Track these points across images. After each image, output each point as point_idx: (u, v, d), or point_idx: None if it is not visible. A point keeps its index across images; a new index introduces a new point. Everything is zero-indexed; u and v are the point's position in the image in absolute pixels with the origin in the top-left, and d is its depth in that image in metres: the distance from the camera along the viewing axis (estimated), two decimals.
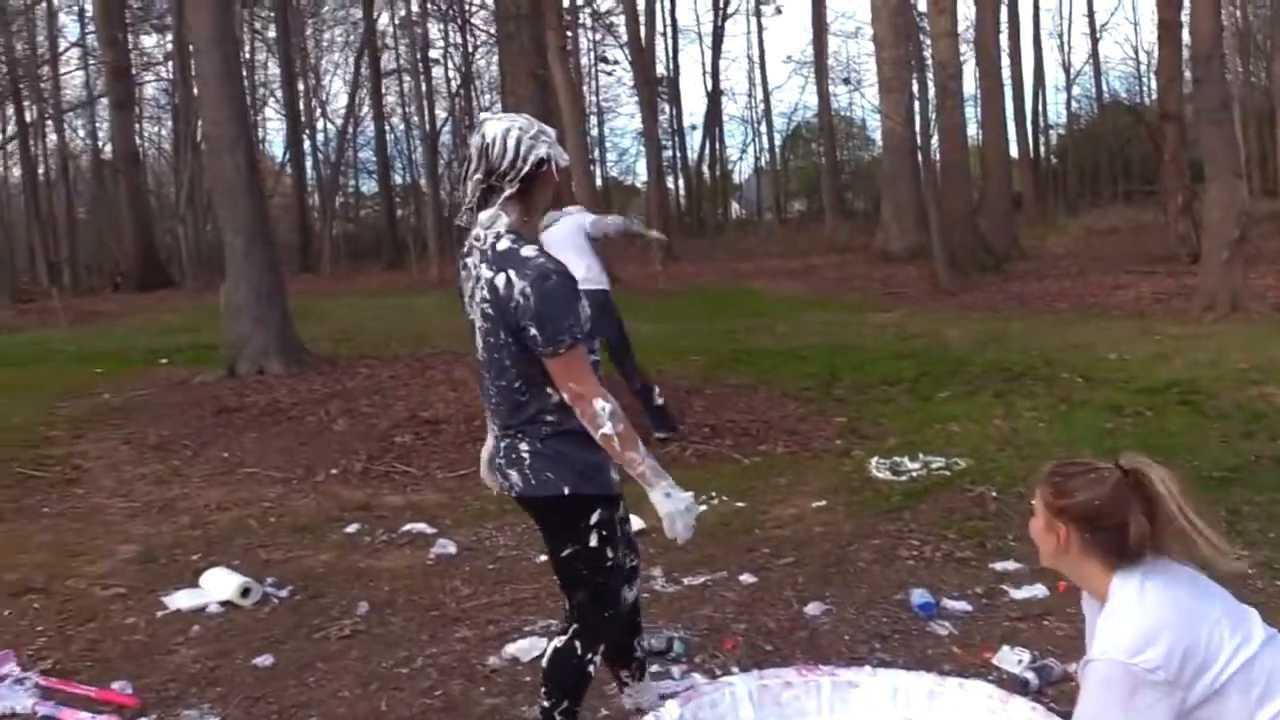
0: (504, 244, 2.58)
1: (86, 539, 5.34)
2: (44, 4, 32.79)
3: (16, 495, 6.25)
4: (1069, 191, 34.60)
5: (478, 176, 2.61)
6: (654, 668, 3.50)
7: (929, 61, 19.08)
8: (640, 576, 2.99)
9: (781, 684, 2.91)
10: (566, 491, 2.63)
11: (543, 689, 2.81)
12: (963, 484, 5.40)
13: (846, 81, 38.68)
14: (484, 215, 2.61)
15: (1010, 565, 4.27)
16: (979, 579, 4.17)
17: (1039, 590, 3.98)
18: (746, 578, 4.33)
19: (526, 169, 2.59)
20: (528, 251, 2.57)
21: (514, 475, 2.68)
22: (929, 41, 20.14)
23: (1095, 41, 36.08)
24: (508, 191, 2.60)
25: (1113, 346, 9.16)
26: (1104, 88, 38.00)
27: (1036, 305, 13.57)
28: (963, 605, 3.91)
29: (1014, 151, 26.77)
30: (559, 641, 2.79)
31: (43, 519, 5.78)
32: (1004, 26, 25.63)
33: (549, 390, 2.59)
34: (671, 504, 2.60)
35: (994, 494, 5.18)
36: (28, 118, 33.14)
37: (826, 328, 11.83)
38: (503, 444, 2.72)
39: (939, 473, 5.65)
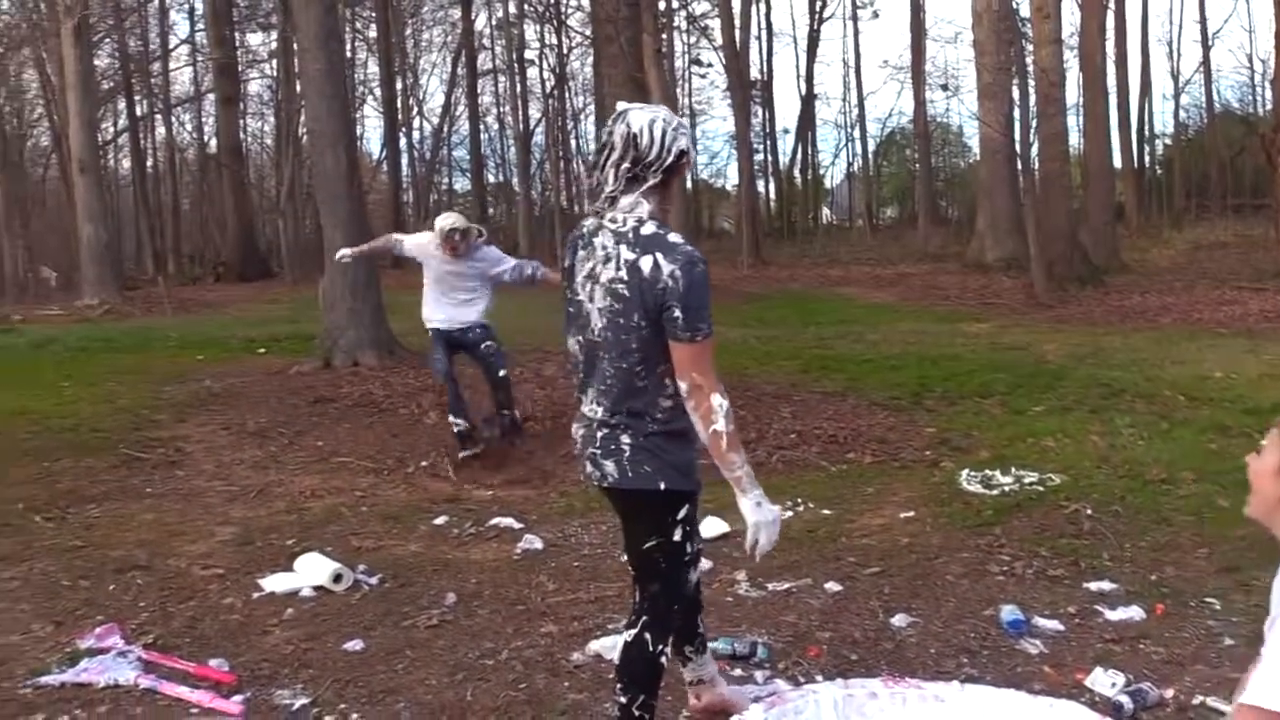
0: (649, 228, 2.62)
1: (187, 520, 5.52)
2: (156, 2, 33.91)
3: (122, 475, 6.48)
4: (1174, 203, 33.62)
5: (625, 165, 2.63)
6: (736, 671, 3.51)
7: (1030, 68, 18.69)
8: (700, 562, 3.01)
9: (867, 694, 2.89)
10: (663, 486, 2.66)
11: (618, 685, 2.83)
12: (1057, 500, 5.29)
13: (944, 88, 38.18)
14: (625, 201, 2.64)
15: (1105, 585, 4.17)
16: (1072, 598, 4.08)
17: (1135, 612, 3.88)
18: (832, 586, 4.30)
19: (670, 160, 2.65)
20: (674, 238, 2.62)
21: (609, 466, 2.70)
22: (1031, 48, 19.76)
23: (1206, 49, 34.98)
24: (651, 181, 2.65)
25: (1218, 365, 8.89)
26: (1214, 97, 36.80)
27: (1138, 320, 13.24)
28: (1054, 624, 3.83)
29: (1117, 161, 26.08)
30: (629, 635, 2.82)
31: (146, 499, 5.98)
32: (1110, 33, 25.05)
33: (667, 381, 2.62)
34: (761, 514, 2.66)
35: (1089, 512, 5.06)
36: (138, 112, 34.36)
37: (917, 337, 11.69)
38: (599, 434, 2.72)
39: (1032, 488, 5.54)
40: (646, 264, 2.56)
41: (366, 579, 4.49)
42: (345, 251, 7.36)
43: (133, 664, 3.62)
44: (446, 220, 6.60)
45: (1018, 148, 17.88)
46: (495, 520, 5.34)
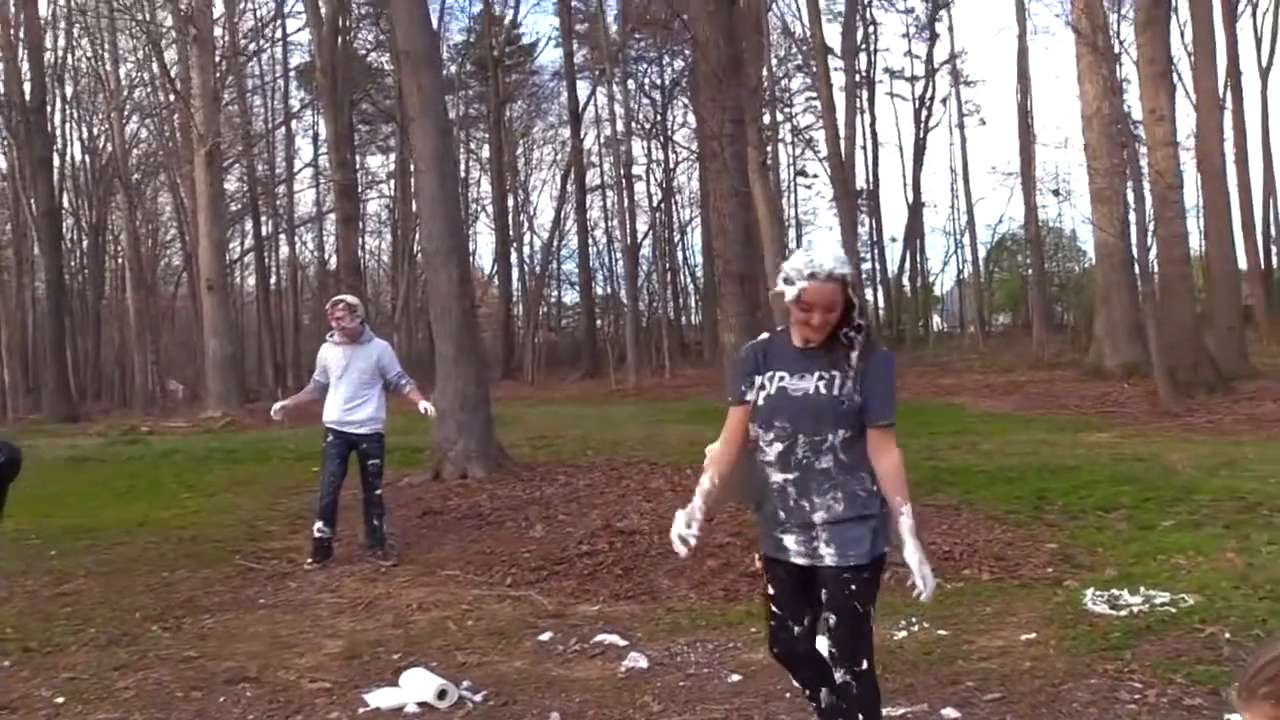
0: None
1: (297, 632, 5.56)
2: (282, 129, 35.80)
3: (236, 586, 6.60)
4: None
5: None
6: None
7: (1145, 171, 18.36)
8: None
9: None
10: None
11: None
12: (1191, 623, 4.98)
13: (1055, 193, 37.61)
14: None
15: None
16: None
17: None
18: (949, 712, 4.09)
19: None
20: None
21: None
22: (1144, 150, 19.43)
23: None
24: None
25: None
26: None
27: (1273, 428, 12.61)
28: None
29: (1243, 263, 25.25)
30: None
31: (259, 610, 6.05)
32: (1229, 131, 24.51)
33: None
34: None
35: (1228, 636, 4.75)
36: (264, 231, 36.04)
37: (1035, 447, 11.34)
38: None
39: (1164, 609, 5.23)
40: None
41: (471, 696, 4.44)
42: (279, 405, 7.74)
43: None
44: (337, 298, 7.66)
45: (1135, 251, 17.48)
46: (600, 637, 5.25)
